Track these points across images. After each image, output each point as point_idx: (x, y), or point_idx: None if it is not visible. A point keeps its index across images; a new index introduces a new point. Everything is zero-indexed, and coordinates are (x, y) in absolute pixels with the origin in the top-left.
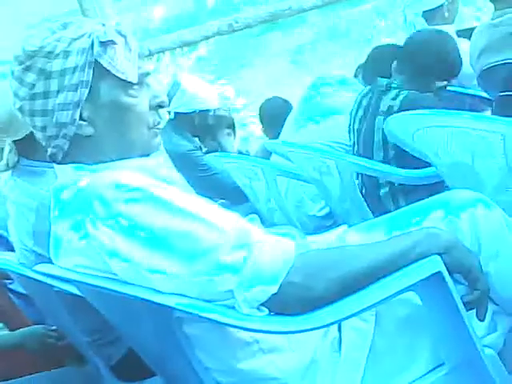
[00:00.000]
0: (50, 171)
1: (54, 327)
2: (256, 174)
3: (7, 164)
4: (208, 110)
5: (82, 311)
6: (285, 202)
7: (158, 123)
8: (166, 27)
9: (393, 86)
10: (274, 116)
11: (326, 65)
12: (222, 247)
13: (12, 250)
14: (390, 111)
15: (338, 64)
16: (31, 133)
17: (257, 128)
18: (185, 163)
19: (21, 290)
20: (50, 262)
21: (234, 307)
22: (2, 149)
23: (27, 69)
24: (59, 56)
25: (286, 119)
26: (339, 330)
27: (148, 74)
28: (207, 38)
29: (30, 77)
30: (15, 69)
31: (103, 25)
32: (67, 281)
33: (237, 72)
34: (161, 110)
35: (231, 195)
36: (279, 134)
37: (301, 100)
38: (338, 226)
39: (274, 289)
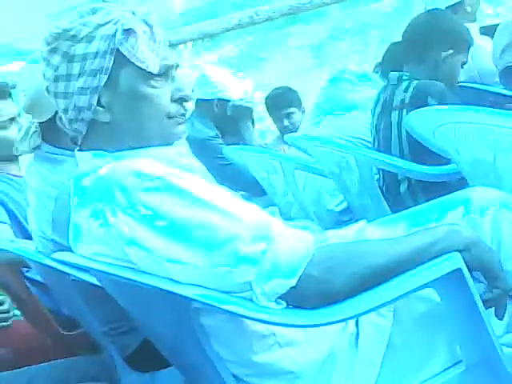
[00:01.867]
0: (70, 160)
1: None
2: (274, 168)
3: (29, 144)
4: (228, 100)
5: (99, 301)
6: (303, 196)
7: (182, 114)
8: (186, 18)
9: (404, 78)
10: (276, 102)
11: (346, 60)
12: (242, 238)
13: (30, 238)
14: (402, 104)
15: (357, 59)
16: (55, 117)
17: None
18: (204, 150)
19: (38, 278)
20: (68, 250)
21: (251, 299)
22: (28, 130)
23: (53, 50)
24: (83, 40)
25: (288, 105)
26: (357, 325)
27: (174, 66)
28: (228, 30)
29: (55, 59)
30: (43, 50)
31: (133, 13)
32: (84, 270)
33: (256, 65)
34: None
35: (249, 187)
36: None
37: (320, 94)
38: (355, 221)
39: (293, 282)
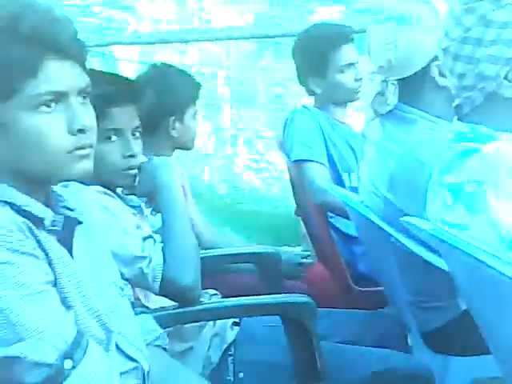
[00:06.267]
0: (421, 122)
1: None
2: None
3: (384, 105)
4: None
5: (414, 270)
6: None
7: None
8: None
9: None
10: None
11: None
12: None
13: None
14: None
15: None
16: (414, 76)
17: None
18: None
19: (340, 227)
20: (400, 211)
21: None
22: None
23: (469, 10)
24: (505, 7)
25: None
26: None
27: None
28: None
29: (469, 20)
30: (455, 8)
31: None
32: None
33: None
34: None
35: None
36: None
37: None
38: None
39: None
